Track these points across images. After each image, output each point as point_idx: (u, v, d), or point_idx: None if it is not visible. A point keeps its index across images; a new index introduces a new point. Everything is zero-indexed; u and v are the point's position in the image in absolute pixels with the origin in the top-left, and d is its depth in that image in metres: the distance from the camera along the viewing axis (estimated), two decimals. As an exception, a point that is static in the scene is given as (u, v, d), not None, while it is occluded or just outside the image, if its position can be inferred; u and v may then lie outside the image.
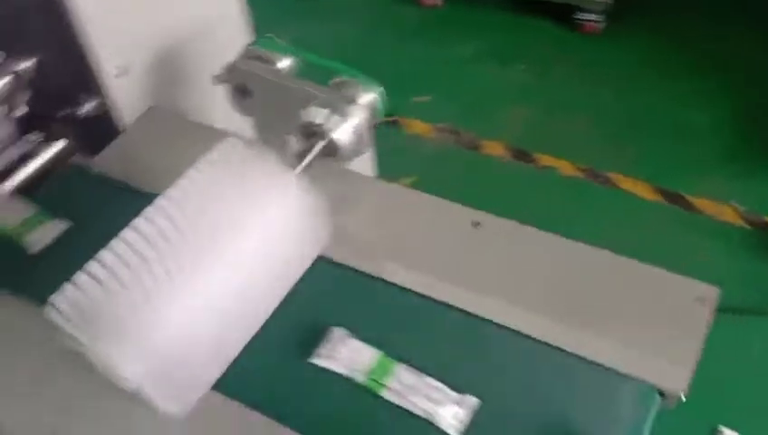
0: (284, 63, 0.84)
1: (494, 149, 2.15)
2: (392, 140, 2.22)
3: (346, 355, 0.68)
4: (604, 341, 0.67)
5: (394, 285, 0.74)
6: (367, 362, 0.68)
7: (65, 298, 0.62)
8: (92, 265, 0.63)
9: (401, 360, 0.68)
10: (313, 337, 0.70)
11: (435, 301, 0.72)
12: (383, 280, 0.74)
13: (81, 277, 0.62)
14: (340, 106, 0.77)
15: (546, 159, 2.09)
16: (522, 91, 2.33)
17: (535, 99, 2.29)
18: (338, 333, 0.70)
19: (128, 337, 0.61)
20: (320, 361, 0.68)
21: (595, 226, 1.82)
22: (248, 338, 0.69)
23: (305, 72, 0.86)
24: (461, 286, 0.73)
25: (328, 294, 0.75)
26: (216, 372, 0.67)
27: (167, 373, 0.64)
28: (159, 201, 0.67)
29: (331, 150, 0.77)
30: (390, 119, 2.26)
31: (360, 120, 0.78)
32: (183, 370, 0.65)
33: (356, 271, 0.76)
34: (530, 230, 0.77)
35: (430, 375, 0.66)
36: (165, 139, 0.74)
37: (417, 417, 0.64)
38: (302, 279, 0.73)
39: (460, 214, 0.79)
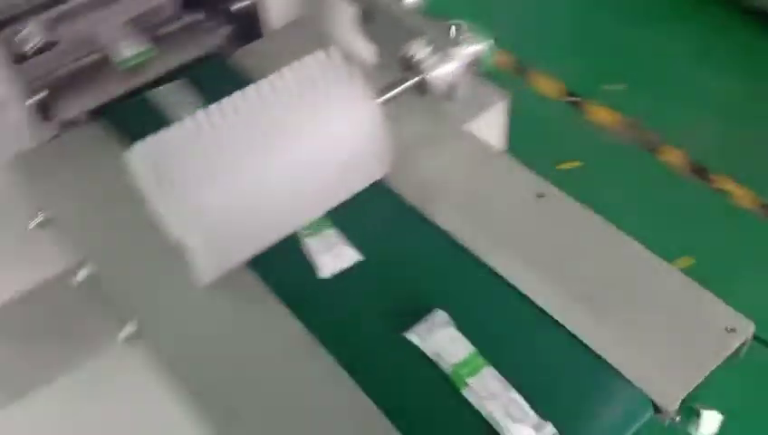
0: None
1: (673, 156, 2.02)
2: (569, 122, 2.17)
3: (440, 340, 0.66)
4: (622, 341, 0.65)
5: (514, 288, 0.70)
6: (458, 354, 0.65)
7: (142, 150, 0.70)
8: (173, 128, 0.71)
9: (493, 363, 0.65)
10: (416, 312, 0.68)
11: (550, 318, 0.68)
12: (503, 279, 0.72)
13: (160, 135, 0.71)
14: (443, 47, 0.79)
15: (724, 182, 1.94)
16: (726, 103, 2.16)
17: (737, 114, 2.12)
18: (440, 316, 0.68)
19: (186, 200, 0.69)
20: (413, 337, 0.67)
21: (759, 271, 1.67)
22: (289, 231, 0.75)
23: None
24: (511, 255, 0.73)
25: (444, 273, 0.73)
26: (251, 252, 0.74)
27: (212, 241, 0.71)
28: (245, 90, 0.73)
29: (423, 88, 0.80)
30: (573, 99, 2.20)
31: (458, 66, 0.79)
32: (226, 241, 0.72)
33: (477, 260, 0.74)
34: (590, 215, 0.75)
35: (517, 389, 0.63)
36: (298, 51, 0.79)
37: (488, 425, 0.61)
38: (419, 251, 0.75)
39: (529, 182, 0.79)
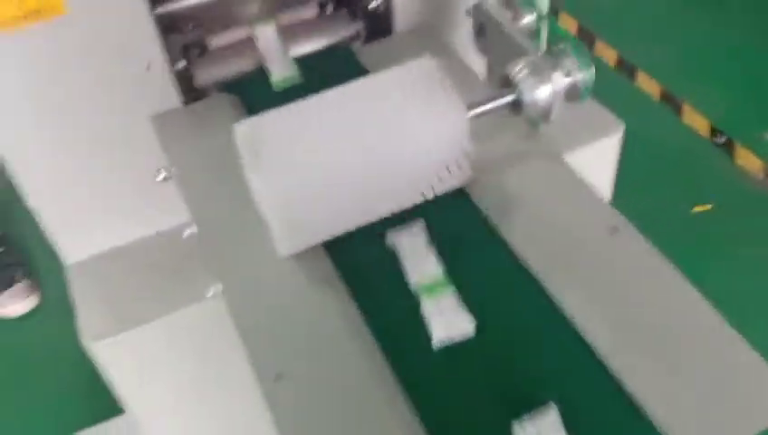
0: (527, 20, 0.90)
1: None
2: (714, 162, 2.08)
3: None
4: (666, 396, 0.65)
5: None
6: None
7: (246, 125, 0.78)
8: (277, 110, 0.79)
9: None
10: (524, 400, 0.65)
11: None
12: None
13: (264, 115, 0.79)
14: (543, 70, 0.81)
15: None
16: None
17: None
18: (552, 416, 0.64)
19: (273, 176, 0.76)
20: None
21: None
22: (364, 220, 0.80)
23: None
24: (580, 293, 0.74)
25: (557, 359, 0.70)
26: (327, 234, 0.80)
27: (291, 218, 0.78)
28: (349, 85, 0.80)
29: (517, 108, 0.82)
30: (722, 140, 2.10)
31: (554, 91, 0.81)
32: (304, 220, 0.79)
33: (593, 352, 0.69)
34: (660, 262, 0.75)
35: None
36: (415, 54, 0.84)
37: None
38: (535, 328, 0.73)
39: (604, 214, 0.80)
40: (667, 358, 0.68)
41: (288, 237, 0.79)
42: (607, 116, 1.18)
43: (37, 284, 1.97)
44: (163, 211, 1.06)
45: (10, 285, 1.94)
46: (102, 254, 1.08)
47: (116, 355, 1.02)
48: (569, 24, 2.64)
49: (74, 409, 1.68)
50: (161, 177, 0.96)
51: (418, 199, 0.82)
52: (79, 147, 0.99)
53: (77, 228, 1.05)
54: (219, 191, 0.88)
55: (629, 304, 0.73)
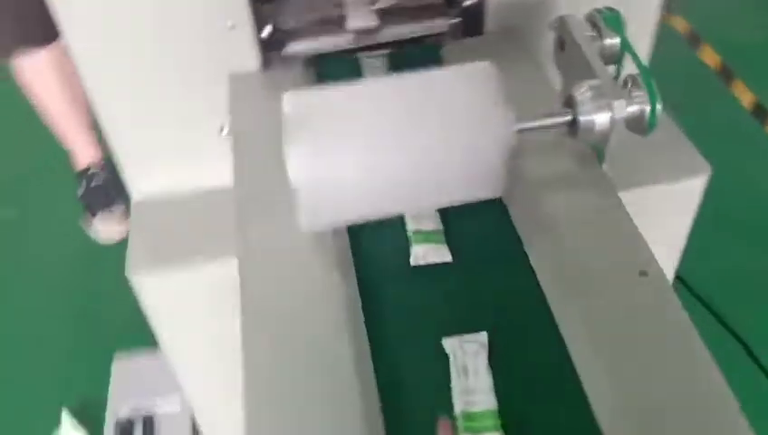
0: (609, 41, 0.85)
1: None
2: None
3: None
4: None
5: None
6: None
7: (296, 96, 0.79)
8: (325, 90, 0.79)
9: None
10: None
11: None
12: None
13: (314, 92, 0.79)
14: (606, 96, 0.77)
15: None
16: None
17: None
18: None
19: (310, 149, 0.77)
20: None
21: None
22: (391, 213, 0.80)
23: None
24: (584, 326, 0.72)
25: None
26: (350, 219, 0.80)
27: (320, 196, 0.78)
28: (406, 76, 0.79)
29: (573, 131, 0.79)
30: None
31: (613, 118, 0.77)
32: (332, 201, 0.79)
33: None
34: (683, 318, 0.71)
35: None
36: (498, 56, 0.83)
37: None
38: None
39: (637, 256, 0.76)
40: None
41: (311, 214, 0.79)
42: (694, 157, 1.11)
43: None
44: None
45: (108, 207, 2.06)
46: (166, 195, 1.13)
47: (156, 293, 1.06)
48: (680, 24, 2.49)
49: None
50: (225, 132, 0.99)
51: (450, 202, 0.80)
52: (158, 89, 1.03)
53: (146, 166, 1.11)
54: (264, 155, 0.90)
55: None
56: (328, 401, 0.67)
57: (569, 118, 0.79)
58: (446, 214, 0.87)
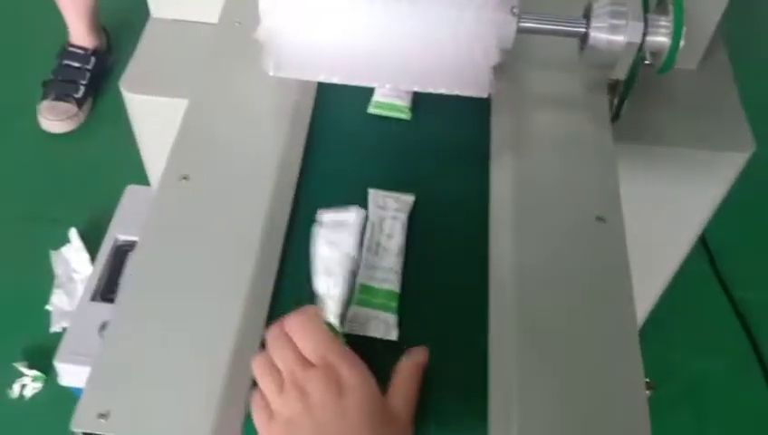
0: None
1: None
2: None
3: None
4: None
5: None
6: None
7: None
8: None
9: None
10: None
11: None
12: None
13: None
14: (626, 16, 0.68)
15: None
16: None
17: None
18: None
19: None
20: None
21: None
22: (362, 80, 0.73)
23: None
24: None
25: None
26: (319, 74, 0.74)
27: (291, 40, 0.72)
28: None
29: (582, 42, 0.70)
30: None
31: (626, 42, 0.67)
32: (303, 48, 0.73)
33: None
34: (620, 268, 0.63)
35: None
36: None
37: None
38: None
39: (595, 202, 0.67)
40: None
41: (278, 55, 0.73)
42: (743, 131, 0.99)
43: (84, 111, 1.98)
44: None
45: (58, 98, 1.96)
46: (181, 22, 1.09)
47: (141, 110, 1.04)
48: None
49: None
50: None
51: (429, 89, 0.72)
52: None
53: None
54: None
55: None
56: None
57: (581, 29, 0.69)
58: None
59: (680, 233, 1.12)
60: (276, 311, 0.60)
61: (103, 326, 0.60)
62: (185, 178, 0.68)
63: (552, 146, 0.73)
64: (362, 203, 0.67)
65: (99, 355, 0.58)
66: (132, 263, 0.62)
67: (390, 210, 0.67)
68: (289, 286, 0.62)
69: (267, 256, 0.62)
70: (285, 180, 0.68)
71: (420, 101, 0.77)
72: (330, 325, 0.57)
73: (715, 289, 1.75)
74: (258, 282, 0.61)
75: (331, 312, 0.58)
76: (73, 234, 1.71)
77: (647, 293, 1.22)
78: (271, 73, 0.74)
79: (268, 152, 0.70)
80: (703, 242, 1.76)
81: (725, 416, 1.60)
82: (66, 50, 2.02)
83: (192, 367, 0.57)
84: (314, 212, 0.64)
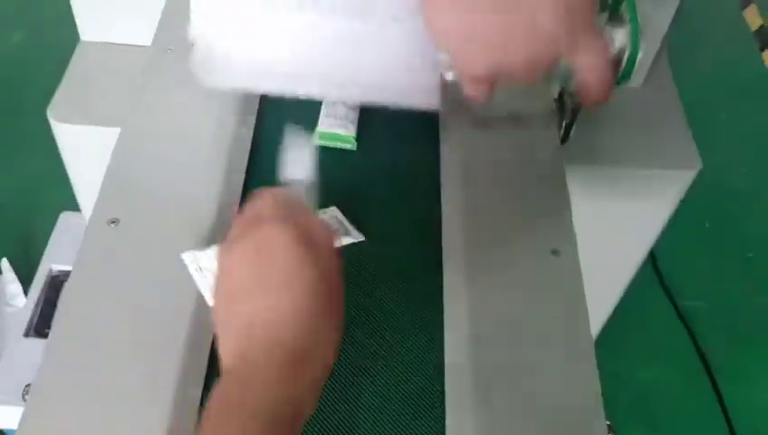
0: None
1: None
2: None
3: None
4: None
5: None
6: None
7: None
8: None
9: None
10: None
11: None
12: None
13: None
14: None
15: None
16: None
17: None
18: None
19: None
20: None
21: None
22: (302, 90, 0.69)
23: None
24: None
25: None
26: (250, 83, 0.70)
27: (224, 46, 0.68)
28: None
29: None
30: None
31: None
32: (238, 54, 0.68)
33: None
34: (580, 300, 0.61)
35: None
36: None
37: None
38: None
39: (551, 236, 0.65)
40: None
41: (208, 64, 0.68)
42: (689, 149, 0.99)
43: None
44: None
45: None
46: (110, 45, 1.03)
47: (74, 144, 0.98)
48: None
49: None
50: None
51: (374, 99, 0.68)
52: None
53: (96, 10, 1.01)
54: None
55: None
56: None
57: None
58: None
59: (631, 249, 1.12)
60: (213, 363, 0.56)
61: (26, 389, 0.55)
62: (113, 222, 0.63)
63: (505, 178, 0.70)
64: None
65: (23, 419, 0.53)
66: (56, 320, 0.56)
67: None
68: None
69: (202, 310, 0.58)
70: (222, 222, 0.64)
71: (365, 131, 0.74)
72: None
73: (661, 298, 1.76)
74: (192, 338, 0.56)
75: None
76: (5, 264, 1.62)
77: (600, 309, 1.22)
78: (203, 84, 0.69)
79: (204, 192, 0.65)
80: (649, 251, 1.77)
81: (675, 423, 1.61)
82: None
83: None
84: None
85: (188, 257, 0.58)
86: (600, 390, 0.57)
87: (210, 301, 0.56)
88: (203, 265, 0.57)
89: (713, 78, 2.21)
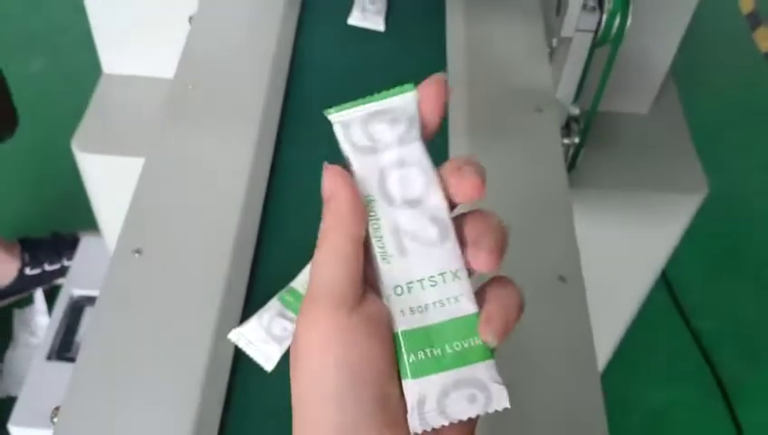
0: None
1: None
2: None
3: None
4: None
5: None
6: None
7: None
8: None
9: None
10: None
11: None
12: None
13: None
14: None
15: None
16: None
17: None
18: None
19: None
20: None
21: None
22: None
23: None
24: None
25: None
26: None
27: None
28: None
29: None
30: None
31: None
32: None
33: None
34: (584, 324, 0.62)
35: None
36: None
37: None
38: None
39: (557, 263, 0.67)
40: None
41: None
42: (697, 173, 1.01)
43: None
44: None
45: None
46: (133, 77, 1.07)
47: (94, 169, 1.02)
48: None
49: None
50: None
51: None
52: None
53: (118, 44, 1.05)
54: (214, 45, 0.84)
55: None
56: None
57: None
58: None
59: (640, 273, 1.13)
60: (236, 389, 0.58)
61: (55, 412, 0.57)
62: (137, 251, 0.65)
63: (511, 203, 0.72)
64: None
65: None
66: (83, 350, 0.59)
67: None
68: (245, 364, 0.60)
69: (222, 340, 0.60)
70: (243, 254, 0.66)
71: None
72: None
73: (675, 319, 1.76)
74: (215, 364, 0.59)
75: None
76: (39, 295, 1.65)
77: (611, 333, 1.23)
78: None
79: (226, 221, 0.68)
80: (662, 273, 1.78)
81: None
82: None
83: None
84: (273, 284, 0.63)
85: (234, 336, 0.59)
86: (605, 420, 0.58)
87: (269, 368, 0.58)
88: (251, 339, 0.59)
89: (725, 99, 2.22)
